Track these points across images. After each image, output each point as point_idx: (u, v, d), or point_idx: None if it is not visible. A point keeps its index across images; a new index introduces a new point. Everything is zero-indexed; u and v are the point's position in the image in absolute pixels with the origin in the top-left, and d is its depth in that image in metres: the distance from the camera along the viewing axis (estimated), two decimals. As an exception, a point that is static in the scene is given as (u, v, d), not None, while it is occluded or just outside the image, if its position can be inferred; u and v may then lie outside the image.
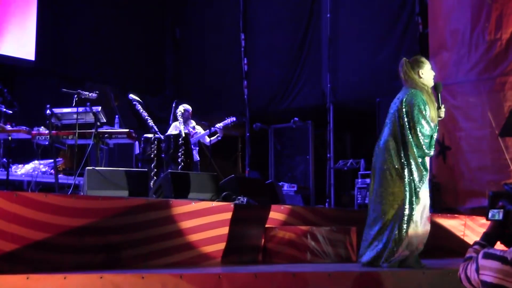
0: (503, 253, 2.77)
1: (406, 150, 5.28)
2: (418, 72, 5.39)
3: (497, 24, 8.89)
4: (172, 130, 8.96)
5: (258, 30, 13.23)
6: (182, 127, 8.64)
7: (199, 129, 9.40)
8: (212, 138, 9.26)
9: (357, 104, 11.69)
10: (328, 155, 11.82)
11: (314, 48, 12.31)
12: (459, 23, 9.35)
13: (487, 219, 3.07)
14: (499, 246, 2.93)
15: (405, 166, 5.27)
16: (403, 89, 5.47)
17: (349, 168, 11.75)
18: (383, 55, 11.13)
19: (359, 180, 10.91)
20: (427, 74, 5.43)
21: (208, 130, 9.19)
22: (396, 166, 5.27)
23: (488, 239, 3.04)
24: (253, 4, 13.35)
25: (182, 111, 9.05)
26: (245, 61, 13.14)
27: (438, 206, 8.96)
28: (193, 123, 9.42)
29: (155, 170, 7.93)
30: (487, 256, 2.82)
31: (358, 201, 10.75)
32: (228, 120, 9.41)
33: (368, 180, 10.68)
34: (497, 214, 3.03)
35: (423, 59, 5.52)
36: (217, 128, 9.25)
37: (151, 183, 7.28)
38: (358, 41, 11.61)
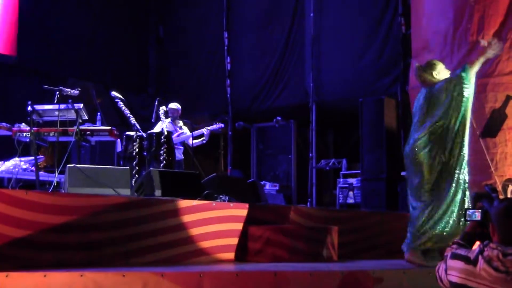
0: (467, 253, 2.80)
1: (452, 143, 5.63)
2: (432, 73, 5.82)
3: (479, 26, 8.91)
4: (158, 129, 8.94)
5: (241, 29, 13.23)
6: (164, 126, 8.62)
7: (186, 130, 9.38)
8: (196, 141, 9.23)
9: (340, 103, 11.71)
10: (310, 155, 11.83)
11: (297, 47, 12.32)
12: (441, 24, 9.36)
13: (465, 219, 3.11)
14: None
15: (451, 158, 5.61)
16: (424, 89, 5.88)
17: (331, 168, 11.79)
18: (366, 55, 11.16)
19: (341, 179, 10.95)
20: (441, 74, 5.84)
21: (193, 132, 9.16)
22: (444, 159, 5.59)
23: (467, 238, 3.07)
24: (237, 3, 13.35)
25: (166, 109, 9.05)
26: (228, 60, 13.14)
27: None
28: (180, 122, 9.41)
29: (137, 168, 7.91)
30: (454, 256, 2.86)
31: (340, 201, 10.79)
32: (216, 126, 9.42)
33: (349, 180, 10.74)
34: (474, 215, 3.08)
35: (435, 61, 5.98)
36: (205, 132, 9.23)
37: (133, 181, 7.26)
38: (341, 40, 11.63)
